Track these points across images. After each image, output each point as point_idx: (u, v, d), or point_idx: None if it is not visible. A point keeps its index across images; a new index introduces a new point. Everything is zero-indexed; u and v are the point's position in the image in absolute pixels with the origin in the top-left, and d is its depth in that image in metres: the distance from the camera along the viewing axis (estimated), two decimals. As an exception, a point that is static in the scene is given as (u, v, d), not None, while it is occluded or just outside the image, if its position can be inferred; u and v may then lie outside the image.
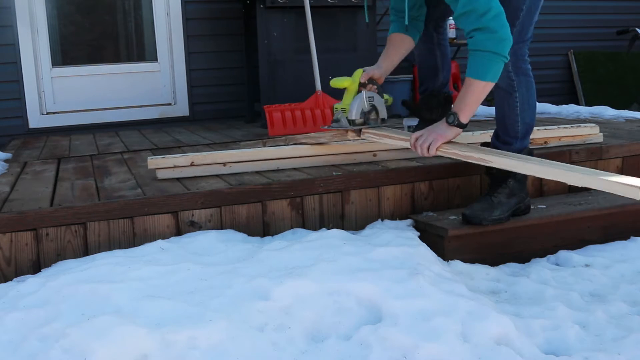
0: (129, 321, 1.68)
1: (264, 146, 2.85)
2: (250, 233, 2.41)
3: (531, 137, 2.90)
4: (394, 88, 4.61)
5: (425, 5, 2.70)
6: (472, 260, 2.40)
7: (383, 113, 2.62)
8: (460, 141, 2.85)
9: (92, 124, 4.60)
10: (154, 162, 2.61)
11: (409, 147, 2.36)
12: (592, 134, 3.03)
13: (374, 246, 2.20)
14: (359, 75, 2.54)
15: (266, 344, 1.70)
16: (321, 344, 1.75)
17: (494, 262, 2.44)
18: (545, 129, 2.98)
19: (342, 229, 2.46)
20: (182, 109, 4.83)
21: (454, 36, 5.06)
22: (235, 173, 2.64)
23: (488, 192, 2.45)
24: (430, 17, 2.82)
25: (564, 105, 4.61)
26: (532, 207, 2.56)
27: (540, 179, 2.83)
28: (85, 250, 2.24)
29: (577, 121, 3.82)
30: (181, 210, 2.33)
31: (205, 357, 1.63)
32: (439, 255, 2.32)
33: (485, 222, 2.38)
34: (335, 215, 2.55)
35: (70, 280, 1.92)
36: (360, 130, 2.56)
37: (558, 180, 2.12)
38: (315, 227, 2.50)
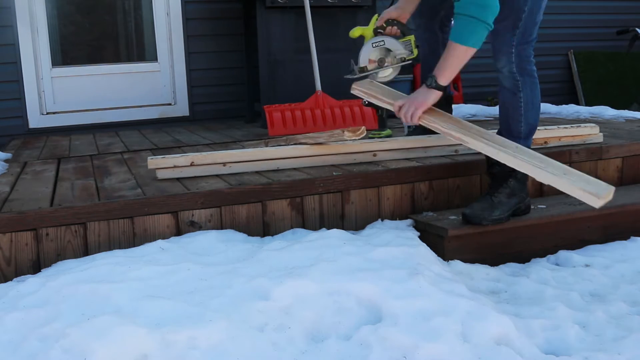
0: (129, 321, 1.68)
1: (266, 146, 2.85)
2: (250, 233, 2.41)
3: (531, 137, 2.91)
4: (394, 88, 4.60)
5: (432, 4, 2.70)
6: (472, 260, 2.40)
7: (401, 52, 2.60)
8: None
9: (92, 124, 4.60)
10: (154, 162, 2.61)
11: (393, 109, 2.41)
12: (592, 134, 3.03)
13: (374, 246, 2.20)
14: (374, 21, 2.59)
15: (266, 344, 1.70)
16: (321, 344, 1.75)
17: (494, 262, 2.44)
18: (545, 129, 2.98)
19: (342, 229, 2.46)
20: (182, 109, 4.83)
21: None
22: (235, 173, 2.64)
23: (488, 191, 2.45)
24: (436, 16, 2.82)
25: (564, 105, 4.61)
26: (532, 207, 2.56)
27: (540, 179, 2.83)
28: (85, 250, 2.24)
29: (577, 121, 3.82)
30: (181, 210, 2.33)
31: (205, 357, 1.63)
32: (439, 255, 2.32)
33: (485, 222, 2.38)
34: (335, 215, 2.55)
35: (70, 280, 1.92)
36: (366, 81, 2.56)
37: (525, 172, 2.22)
38: (315, 227, 2.50)
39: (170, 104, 4.83)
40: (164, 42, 4.78)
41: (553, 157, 2.84)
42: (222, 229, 2.38)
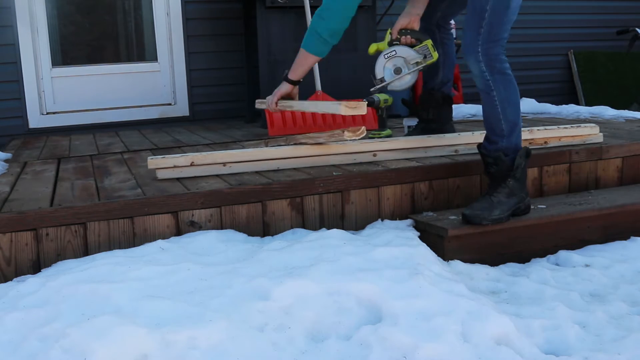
0: (129, 321, 1.68)
1: (266, 146, 2.85)
2: (250, 233, 2.41)
3: (531, 137, 2.91)
4: (395, 89, 4.60)
5: (429, 5, 2.71)
6: (472, 260, 2.40)
7: (415, 58, 2.69)
8: (462, 141, 2.88)
9: (92, 124, 4.60)
10: (154, 162, 2.61)
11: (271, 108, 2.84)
12: (592, 134, 3.03)
13: (374, 246, 2.20)
14: (388, 34, 2.71)
15: (266, 344, 1.70)
16: (321, 344, 1.75)
17: (494, 262, 2.44)
18: (545, 129, 2.98)
19: (342, 229, 2.46)
20: (182, 109, 4.83)
21: (454, 36, 5.05)
22: (235, 173, 2.64)
23: (488, 191, 2.45)
24: (433, 16, 2.82)
25: (564, 105, 4.61)
26: (532, 207, 2.56)
27: (541, 179, 2.83)
28: (85, 250, 2.24)
29: (577, 121, 3.83)
30: (181, 210, 2.33)
31: (205, 357, 1.63)
32: (439, 255, 2.32)
33: (485, 222, 2.38)
34: (335, 215, 2.55)
35: (70, 280, 1.92)
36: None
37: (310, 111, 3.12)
38: (315, 227, 2.50)
39: (170, 104, 4.83)
40: (164, 42, 4.78)
41: (553, 157, 2.86)
42: (222, 229, 2.38)
